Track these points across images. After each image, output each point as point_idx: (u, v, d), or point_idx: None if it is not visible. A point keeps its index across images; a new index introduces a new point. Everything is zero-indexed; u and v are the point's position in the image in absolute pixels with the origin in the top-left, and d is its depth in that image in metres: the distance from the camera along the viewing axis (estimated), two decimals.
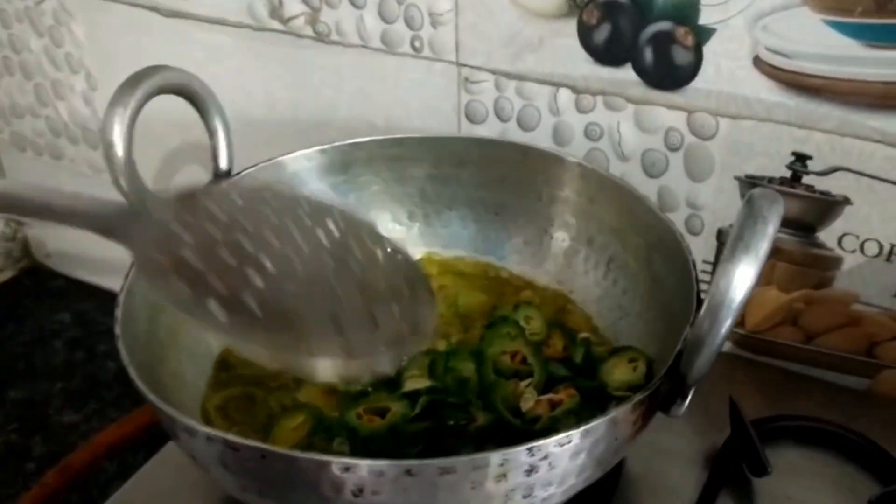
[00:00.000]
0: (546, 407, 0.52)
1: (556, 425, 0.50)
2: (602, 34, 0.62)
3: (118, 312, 0.48)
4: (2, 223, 1.08)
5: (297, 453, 0.39)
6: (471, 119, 0.71)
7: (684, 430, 0.62)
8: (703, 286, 0.49)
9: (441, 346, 0.58)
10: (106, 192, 0.96)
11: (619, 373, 0.53)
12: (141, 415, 0.76)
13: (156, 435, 0.65)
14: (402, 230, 0.69)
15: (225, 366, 0.58)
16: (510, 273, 0.67)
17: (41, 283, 1.10)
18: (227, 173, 0.61)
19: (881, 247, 0.60)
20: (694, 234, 0.66)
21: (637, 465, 0.59)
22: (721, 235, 0.65)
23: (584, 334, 0.59)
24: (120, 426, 0.75)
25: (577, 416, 0.50)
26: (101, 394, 0.92)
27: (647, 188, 0.65)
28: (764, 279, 0.66)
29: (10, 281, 1.10)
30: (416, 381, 0.53)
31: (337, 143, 0.65)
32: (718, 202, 0.64)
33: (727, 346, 0.70)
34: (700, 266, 0.65)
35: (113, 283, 1.04)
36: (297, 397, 0.56)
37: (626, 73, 0.62)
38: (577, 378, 0.54)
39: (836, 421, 0.61)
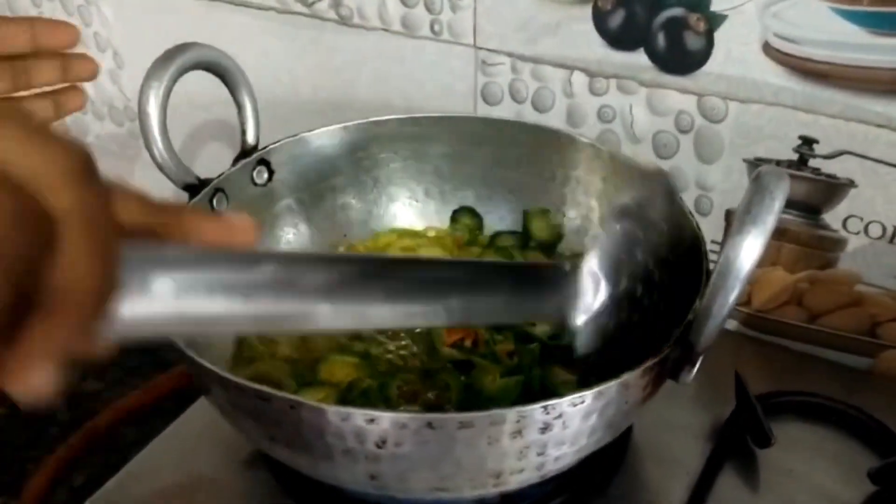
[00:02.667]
0: None
1: None
2: (616, 19, 0.64)
3: None
4: None
5: (325, 405, 0.41)
6: (487, 101, 0.73)
7: (691, 404, 0.65)
8: (712, 266, 0.51)
9: None
10: (130, 167, 0.99)
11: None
12: (163, 382, 0.78)
13: (177, 402, 0.67)
14: (419, 206, 0.71)
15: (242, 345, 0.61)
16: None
17: None
18: (254, 148, 0.63)
19: (885, 229, 0.62)
20: (703, 214, 0.68)
21: (644, 437, 0.62)
22: (729, 216, 0.67)
23: None
24: (143, 392, 0.77)
25: None
26: (123, 362, 0.94)
27: None
28: (770, 260, 0.68)
29: None
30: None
31: (358, 121, 0.67)
32: (727, 184, 0.66)
33: (733, 325, 0.72)
34: (709, 246, 0.67)
35: None
36: (318, 375, 0.58)
37: (639, 58, 0.64)
38: None
39: (837, 397, 0.64)
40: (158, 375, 0.77)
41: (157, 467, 0.61)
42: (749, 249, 0.42)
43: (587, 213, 0.66)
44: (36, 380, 0.21)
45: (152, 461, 0.62)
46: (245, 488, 0.58)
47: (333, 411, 0.41)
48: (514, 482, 0.46)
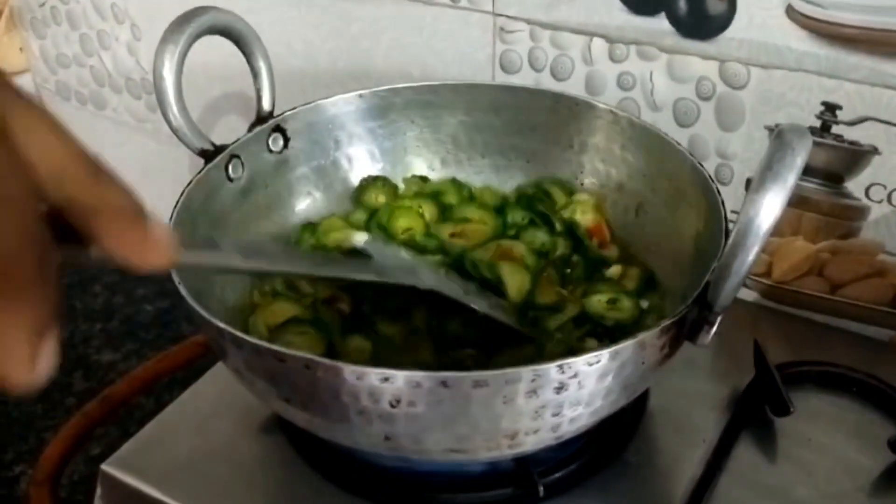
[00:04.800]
0: None
1: None
2: None
3: None
4: None
5: (340, 363, 0.41)
6: (505, 69, 0.72)
7: (709, 374, 0.64)
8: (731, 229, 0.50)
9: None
10: (147, 140, 1.00)
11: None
12: (178, 352, 0.78)
13: (192, 373, 0.67)
14: (435, 176, 0.70)
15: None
16: None
17: None
18: (270, 115, 0.62)
19: None
20: (723, 183, 0.67)
21: (662, 405, 0.61)
22: (750, 185, 0.66)
23: None
24: (158, 362, 0.77)
25: None
26: (138, 335, 0.95)
27: (679, 138, 0.65)
28: (791, 229, 0.67)
29: None
30: None
31: (375, 89, 0.66)
32: (748, 152, 0.65)
33: (753, 296, 0.72)
34: (729, 216, 0.66)
35: None
36: None
37: (660, 23, 0.64)
38: None
39: (858, 368, 0.63)
40: (173, 346, 0.78)
41: (172, 433, 0.61)
42: (769, 206, 0.41)
43: (605, 180, 0.66)
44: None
45: (167, 427, 0.62)
46: (260, 454, 0.58)
47: (349, 370, 0.41)
48: (529, 443, 0.46)
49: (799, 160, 0.41)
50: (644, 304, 0.59)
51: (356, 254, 0.61)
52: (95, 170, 0.27)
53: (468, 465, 0.54)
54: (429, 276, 0.56)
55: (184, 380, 0.68)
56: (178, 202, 0.54)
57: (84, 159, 0.27)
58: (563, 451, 0.55)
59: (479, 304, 0.55)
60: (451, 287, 0.55)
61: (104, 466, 0.58)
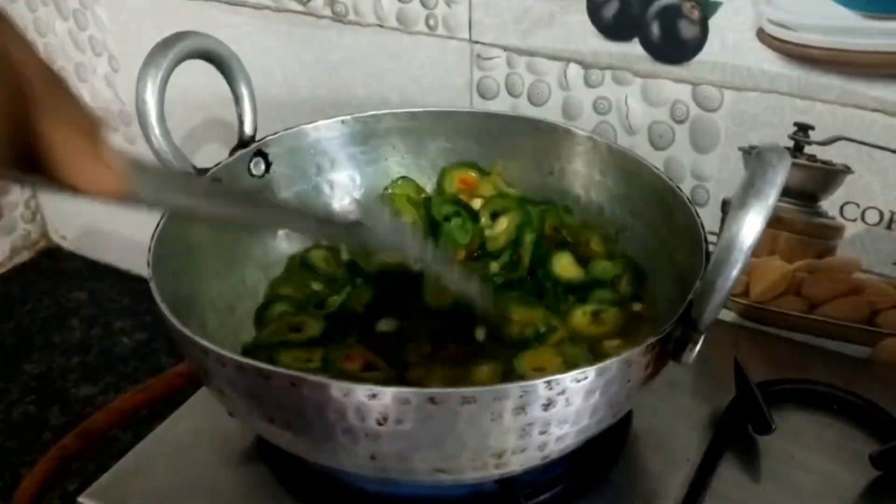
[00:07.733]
0: None
1: None
2: (611, 9, 0.64)
3: (150, 257, 0.50)
4: (21, 206, 1.10)
5: (326, 379, 0.41)
6: (483, 95, 0.73)
7: (690, 395, 0.65)
8: (711, 250, 0.51)
9: None
10: None
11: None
12: (156, 384, 0.77)
13: (170, 406, 0.66)
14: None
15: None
16: None
17: (58, 263, 1.12)
18: (252, 139, 0.63)
19: (882, 215, 0.62)
20: (700, 205, 0.68)
21: (645, 427, 0.61)
22: (725, 206, 0.67)
23: None
24: (136, 393, 0.76)
25: None
26: (116, 368, 0.93)
27: (654, 160, 0.66)
28: (767, 249, 0.68)
29: (28, 262, 1.12)
30: None
31: (356, 115, 0.67)
32: (723, 173, 0.66)
33: (731, 317, 0.72)
34: (707, 237, 0.67)
35: (127, 264, 1.06)
36: None
37: (634, 48, 0.65)
38: None
39: (838, 385, 0.63)
40: (151, 379, 0.77)
41: (150, 464, 0.59)
42: (752, 223, 0.42)
43: (585, 205, 0.66)
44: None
45: (145, 458, 0.61)
46: (240, 484, 0.57)
47: (335, 386, 0.41)
48: (515, 463, 0.46)
49: (779, 178, 0.42)
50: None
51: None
52: (55, 78, 0.30)
53: (452, 489, 0.54)
54: (417, 246, 0.56)
55: (162, 412, 0.67)
56: (158, 225, 0.54)
57: (48, 70, 0.31)
58: (549, 473, 0.55)
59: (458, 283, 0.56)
60: (437, 261, 0.56)
61: (81, 499, 0.57)
